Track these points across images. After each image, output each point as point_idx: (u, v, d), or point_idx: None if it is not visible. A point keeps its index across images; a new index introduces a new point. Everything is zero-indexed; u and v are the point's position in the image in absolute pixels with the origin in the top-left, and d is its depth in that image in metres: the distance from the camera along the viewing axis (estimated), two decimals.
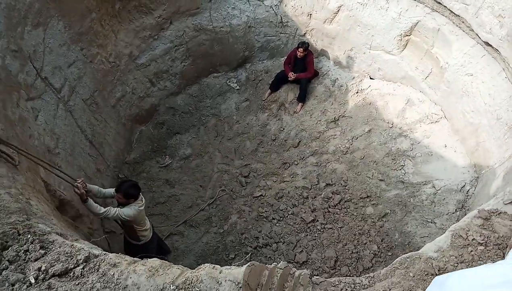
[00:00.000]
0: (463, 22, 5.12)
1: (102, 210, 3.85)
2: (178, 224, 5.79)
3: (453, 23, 5.34)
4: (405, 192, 5.84)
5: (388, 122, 6.54)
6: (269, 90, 7.31)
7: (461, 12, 5.00)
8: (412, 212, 5.67)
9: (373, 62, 6.81)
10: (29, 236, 1.99)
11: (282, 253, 5.40)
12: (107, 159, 5.62)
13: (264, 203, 6.03)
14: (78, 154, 4.82)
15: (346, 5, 6.48)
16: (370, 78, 7.06)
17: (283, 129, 6.99)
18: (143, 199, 4.21)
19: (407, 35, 6.13)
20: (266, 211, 5.92)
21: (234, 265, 1.89)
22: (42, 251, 1.89)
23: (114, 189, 4.09)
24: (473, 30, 5.02)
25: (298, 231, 5.62)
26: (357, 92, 7.03)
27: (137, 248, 4.37)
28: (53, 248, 1.93)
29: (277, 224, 5.75)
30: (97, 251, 1.94)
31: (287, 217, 5.81)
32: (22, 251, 1.88)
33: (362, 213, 5.74)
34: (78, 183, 3.71)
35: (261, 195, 6.13)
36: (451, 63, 5.55)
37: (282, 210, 5.88)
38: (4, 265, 1.82)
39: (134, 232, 4.29)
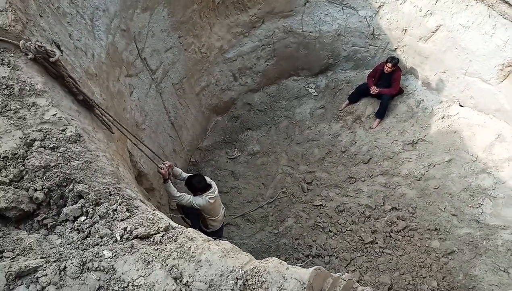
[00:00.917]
0: None
1: (178, 194, 4.13)
2: (237, 216, 5.94)
3: None
4: (478, 233, 5.38)
5: (472, 155, 6.06)
6: (347, 101, 7.17)
7: None
8: (483, 255, 5.21)
9: (466, 88, 6.34)
10: (118, 197, 2.19)
11: (334, 267, 5.28)
12: (183, 142, 5.96)
13: (323, 213, 5.95)
14: (160, 133, 5.18)
15: (446, 26, 6.11)
16: (460, 105, 6.58)
17: (355, 143, 6.82)
18: (216, 190, 4.39)
19: (510, 66, 5.61)
20: (323, 222, 5.84)
21: (298, 266, 1.90)
22: (128, 214, 2.08)
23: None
24: None
25: (354, 249, 5.46)
26: (442, 118, 6.60)
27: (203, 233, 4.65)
28: (137, 213, 2.11)
29: (333, 238, 5.63)
30: (174, 224, 2.08)
31: (344, 232, 5.67)
32: (112, 210, 2.09)
33: (426, 245, 5.40)
34: (166, 165, 4.01)
35: (321, 205, 6.06)
36: None
37: (340, 224, 5.75)
38: (95, 219, 2.03)
39: (204, 219, 4.56)
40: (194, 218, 4.76)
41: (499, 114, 6.07)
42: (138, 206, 2.17)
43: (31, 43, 2.53)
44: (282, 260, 5.48)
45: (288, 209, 6.08)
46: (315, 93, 7.61)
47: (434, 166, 6.18)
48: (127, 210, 2.11)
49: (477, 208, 5.61)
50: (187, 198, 4.19)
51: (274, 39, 6.95)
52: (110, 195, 2.19)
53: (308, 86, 7.69)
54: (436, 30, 6.26)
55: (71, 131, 2.45)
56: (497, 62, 5.71)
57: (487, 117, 6.27)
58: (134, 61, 4.58)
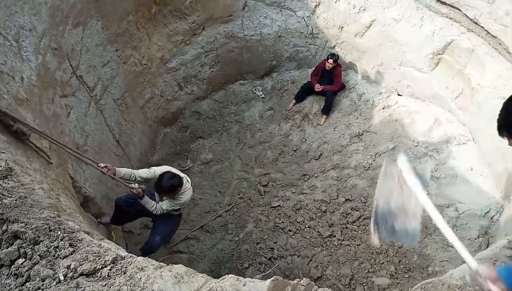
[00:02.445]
0: (500, 44, 5.00)
1: (156, 208, 3.93)
2: (195, 229, 5.82)
3: (489, 44, 5.22)
4: (426, 214, 5.70)
5: (413, 141, 6.43)
6: (294, 101, 7.31)
7: (499, 34, 4.88)
8: (432, 234, 5.53)
9: (403, 78, 6.73)
10: (59, 232, 2.04)
11: (296, 267, 5.35)
12: (131, 159, 5.73)
13: (282, 214, 6.01)
14: (105, 152, 4.94)
15: (379, 20, 6.43)
16: (398, 95, 6.97)
17: (305, 140, 6.97)
18: (188, 178, 4.12)
19: (439, 54, 6.04)
20: (283, 222, 5.90)
21: (257, 278, 1.89)
22: (71, 249, 1.95)
23: (148, 171, 3.99)
24: (510, 53, 4.89)
25: (314, 245, 5.57)
26: (383, 108, 6.94)
27: (174, 216, 4.41)
28: (82, 247, 1.98)
29: (293, 236, 5.71)
30: (123, 252, 1.98)
31: (303, 230, 5.77)
32: (53, 247, 1.94)
33: None
34: (102, 168, 3.63)
35: (278, 205, 6.12)
36: (483, 85, 5.41)
37: (299, 222, 5.84)
38: (35, 260, 1.88)
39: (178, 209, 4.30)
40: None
41: (435, 100, 6.50)
42: (82, 239, 2.04)
43: None
44: (245, 266, 5.46)
45: (247, 214, 6.07)
46: (263, 96, 7.68)
47: (380, 154, 6.48)
48: (70, 245, 1.98)
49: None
50: (165, 207, 3.97)
51: (216, 45, 6.91)
52: (50, 230, 2.04)
53: (255, 89, 7.74)
54: (370, 25, 6.57)
55: (0, 166, 2.25)
56: (428, 51, 6.11)
57: (424, 104, 6.69)
58: (69, 80, 4.32)
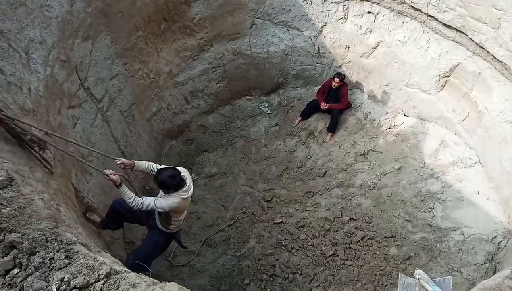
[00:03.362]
0: (506, 68, 4.99)
1: (134, 202, 3.60)
2: (201, 243, 5.76)
3: (495, 68, 5.21)
4: (432, 236, 5.61)
5: (419, 162, 6.38)
6: (299, 118, 7.33)
7: (505, 59, 4.87)
8: (437, 257, 5.43)
9: (409, 99, 6.72)
10: (55, 244, 2.05)
11: (298, 285, 5.27)
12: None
13: (284, 230, 5.96)
14: (109, 163, 4.97)
15: (385, 42, 6.48)
16: (404, 115, 6.95)
17: (310, 157, 6.95)
18: (191, 187, 3.82)
19: (445, 76, 6.04)
20: (285, 239, 5.84)
21: None
22: (66, 261, 1.95)
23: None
24: None
25: (317, 264, 5.49)
26: (389, 128, 6.92)
27: (160, 233, 4.13)
28: (77, 259, 1.98)
29: (296, 254, 5.64)
30: (118, 267, 1.97)
31: (306, 248, 5.70)
32: (48, 258, 1.95)
33: (385, 252, 5.55)
34: (118, 163, 3.58)
35: (281, 222, 6.07)
36: (490, 108, 5.38)
37: (302, 240, 5.78)
38: (30, 271, 1.88)
39: (168, 218, 3.96)
40: (150, 217, 4.12)
41: (441, 122, 6.47)
42: (78, 251, 2.04)
43: None
44: (246, 283, 5.40)
45: (249, 229, 6.03)
46: (269, 112, 7.72)
47: (386, 174, 6.42)
48: (66, 257, 1.98)
49: (429, 212, 5.88)
50: (147, 203, 3.64)
51: (224, 61, 7.01)
52: (47, 241, 2.05)
53: (261, 105, 7.79)
54: (377, 46, 6.62)
55: (1, 176, 2.28)
56: (434, 73, 6.12)
57: (430, 125, 6.66)
58: (77, 92, 4.41)
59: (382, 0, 6.03)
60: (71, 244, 2.11)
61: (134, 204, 3.62)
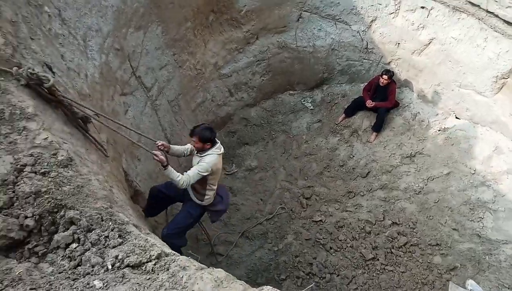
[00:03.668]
0: None
1: (182, 179, 3.61)
2: (240, 235, 5.79)
3: None
4: (480, 248, 5.31)
5: (470, 168, 6.03)
6: (343, 115, 7.16)
7: None
8: (486, 271, 5.13)
9: (462, 101, 6.36)
10: (110, 223, 2.12)
11: (335, 286, 5.18)
12: (180, 159, 5.88)
13: (323, 229, 5.87)
14: (156, 150, 5.11)
15: (438, 39, 6.16)
16: (456, 118, 6.59)
17: (353, 156, 6.78)
18: (221, 147, 3.91)
19: (503, 78, 5.65)
20: (323, 238, 5.75)
21: None
22: (120, 240, 2.01)
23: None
24: None
25: (355, 267, 5.36)
26: (439, 130, 6.60)
27: (194, 206, 4.18)
28: (130, 239, 2.04)
29: (334, 254, 5.54)
30: (167, 249, 2.01)
31: (345, 248, 5.58)
32: (103, 236, 2.02)
33: (428, 261, 5.32)
34: (158, 145, 3.64)
35: (320, 220, 5.98)
36: None
37: (341, 240, 5.67)
38: (87, 246, 1.96)
39: (204, 187, 3.99)
40: (185, 191, 4.10)
41: (496, 126, 6.07)
42: (130, 232, 2.11)
43: (23, 70, 2.50)
44: (283, 278, 5.37)
45: (288, 225, 5.99)
46: (311, 107, 7.61)
47: (433, 179, 6.14)
48: (119, 236, 2.05)
49: (478, 222, 5.56)
50: (192, 174, 3.66)
51: (268, 55, 6.98)
52: (102, 220, 2.13)
53: (304, 100, 7.69)
54: (429, 43, 6.31)
55: (62, 155, 2.39)
56: (491, 74, 5.75)
57: (484, 130, 6.27)
58: (129, 80, 4.56)
59: None
60: (124, 224, 2.17)
61: (182, 181, 3.63)
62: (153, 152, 3.55)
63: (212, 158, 3.78)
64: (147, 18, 4.64)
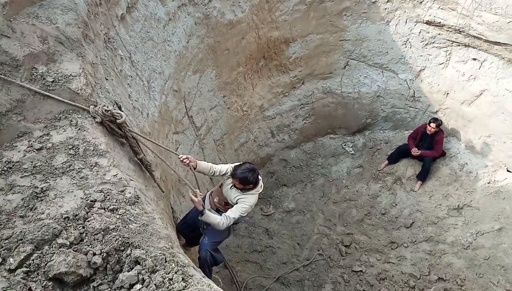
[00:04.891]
0: None
1: (221, 222, 3.42)
2: (274, 280, 5.66)
3: None
4: None
5: None
6: (386, 161, 7.03)
7: None
8: None
9: None
10: (173, 264, 2.14)
11: None
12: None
13: (363, 281, 5.62)
14: (200, 187, 5.20)
15: (491, 90, 6.04)
16: (508, 171, 6.30)
17: (396, 205, 6.57)
18: (262, 185, 3.68)
19: None
20: (364, 290, 5.49)
21: None
22: (183, 284, 2.01)
23: (228, 166, 3.69)
24: None
25: None
26: (488, 183, 6.32)
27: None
28: (192, 283, 2.04)
29: None
30: None
31: None
32: (167, 278, 2.03)
33: None
34: (183, 159, 3.47)
35: (361, 271, 5.74)
36: None
37: None
38: (151, 288, 1.98)
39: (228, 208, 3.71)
40: None
41: None
42: (192, 275, 2.11)
43: (99, 108, 2.68)
44: None
45: (325, 273, 5.79)
46: (352, 152, 7.54)
47: (483, 234, 5.82)
48: (183, 280, 2.05)
49: None
50: (232, 216, 3.45)
51: (313, 99, 7.09)
52: (166, 261, 2.15)
53: (345, 145, 7.66)
54: (480, 94, 6.20)
55: (130, 193, 2.48)
56: None
57: None
58: (182, 119, 4.75)
59: (492, 47, 5.67)
60: (185, 266, 2.18)
61: (222, 222, 3.44)
62: (191, 196, 3.39)
63: (253, 199, 3.58)
64: (204, 63, 4.90)
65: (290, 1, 5.92)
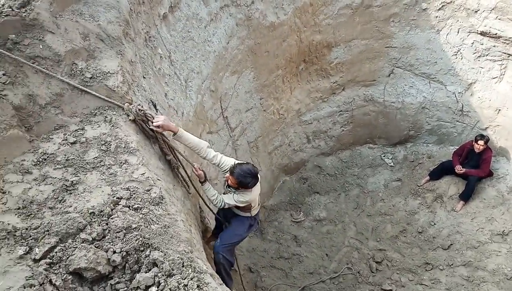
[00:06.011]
0: None
1: (216, 199, 3.51)
2: (299, 289, 5.54)
3: None
4: None
5: None
6: (427, 177, 6.66)
7: None
8: None
9: None
10: (190, 270, 2.12)
11: None
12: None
13: None
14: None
15: None
16: None
17: (434, 224, 6.21)
18: (259, 187, 3.63)
19: None
20: None
21: None
22: None
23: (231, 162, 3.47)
24: None
25: None
26: None
27: (243, 218, 3.90)
28: None
29: None
30: None
31: None
32: (183, 284, 2.01)
33: None
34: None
35: (390, 290, 5.48)
36: None
37: None
38: None
39: (248, 207, 3.74)
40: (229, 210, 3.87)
41: None
42: (208, 283, 2.07)
43: (133, 106, 2.72)
44: None
45: (353, 288, 5.59)
46: (392, 164, 7.22)
47: None
48: (198, 287, 2.02)
49: None
50: (227, 200, 3.52)
51: (353, 106, 6.88)
52: (183, 266, 2.13)
53: (384, 156, 7.35)
54: None
55: (155, 193, 2.49)
56: None
57: None
58: (217, 119, 4.76)
59: None
60: (202, 273, 2.16)
61: (216, 201, 3.54)
62: (194, 164, 3.50)
63: (248, 195, 3.50)
64: (243, 64, 4.88)
65: (335, 5, 5.76)
